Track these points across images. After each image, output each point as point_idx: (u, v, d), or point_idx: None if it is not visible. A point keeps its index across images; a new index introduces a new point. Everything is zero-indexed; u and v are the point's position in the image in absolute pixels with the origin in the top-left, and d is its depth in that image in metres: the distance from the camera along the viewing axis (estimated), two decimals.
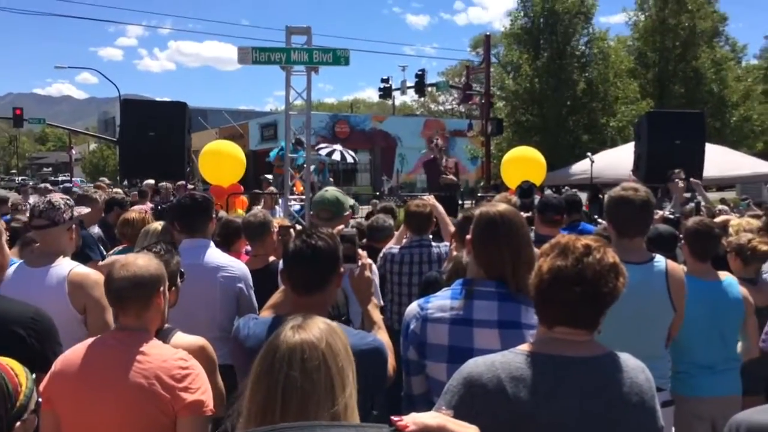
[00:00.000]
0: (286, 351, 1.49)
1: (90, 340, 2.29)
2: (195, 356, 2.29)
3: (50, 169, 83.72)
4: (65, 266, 3.06)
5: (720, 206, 9.37)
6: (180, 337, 2.51)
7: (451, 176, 9.39)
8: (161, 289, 2.32)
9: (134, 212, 5.16)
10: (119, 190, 10.58)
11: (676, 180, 6.80)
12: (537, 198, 6.82)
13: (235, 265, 3.69)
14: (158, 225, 4.08)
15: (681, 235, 4.49)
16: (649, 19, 24.96)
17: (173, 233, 3.96)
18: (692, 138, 9.22)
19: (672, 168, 7.24)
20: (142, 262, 2.30)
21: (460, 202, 12.58)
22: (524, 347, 1.81)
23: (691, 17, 23.91)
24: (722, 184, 18.48)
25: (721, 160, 12.93)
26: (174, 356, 2.20)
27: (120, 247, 4.71)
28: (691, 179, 6.68)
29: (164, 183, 10.16)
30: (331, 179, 14.56)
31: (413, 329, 2.33)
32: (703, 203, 6.74)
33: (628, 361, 1.80)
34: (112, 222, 6.03)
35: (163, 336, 2.42)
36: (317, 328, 1.54)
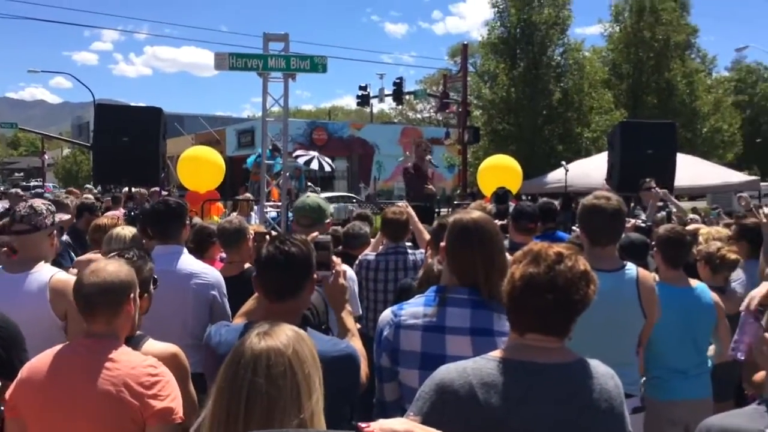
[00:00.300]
0: (251, 357, 1.48)
1: (58, 347, 2.25)
2: (166, 364, 2.26)
3: (22, 174, 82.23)
4: (46, 272, 3.02)
5: (691, 215, 9.53)
6: (151, 345, 2.48)
7: (431, 186, 9.43)
8: (132, 295, 2.29)
9: (106, 218, 5.09)
10: (89, 196, 10.42)
11: (651, 189, 6.90)
12: (512, 206, 6.87)
13: (209, 272, 3.66)
14: (122, 230, 4.01)
15: (653, 243, 4.56)
16: (624, 31, 25.37)
17: (143, 240, 3.91)
18: (664, 148, 9.38)
19: (644, 177, 7.35)
20: (113, 268, 2.27)
21: (436, 210, 12.63)
22: (496, 353, 1.82)
23: (666, 30, 24.36)
24: (693, 193, 18.81)
25: (692, 170, 13.18)
26: (143, 363, 2.17)
27: (91, 254, 4.64)
28: (660, 189, 6.77)
29: (138, 189, 10.06)
30: (310, 185, 14.48)
31: (386, 336, 2.34)
32: (674, 211, 6.85)
33: (598, 367, 1.82)
34: (83, 228, 5.95)
35: (134, 343, 2.39)
36: (284, 334, 1.54)
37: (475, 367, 1.77)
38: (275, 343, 1.50)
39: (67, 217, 6.19)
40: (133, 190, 9.31)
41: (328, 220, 3.76)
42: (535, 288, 1.74)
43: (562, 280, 1.73)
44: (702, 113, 24.54)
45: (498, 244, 2.36)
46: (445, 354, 2.20)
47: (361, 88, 27.37)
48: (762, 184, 17.56)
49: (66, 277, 3.02)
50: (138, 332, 2.48)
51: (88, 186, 16.53)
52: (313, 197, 3.81)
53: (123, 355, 2.18)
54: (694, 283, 3.72)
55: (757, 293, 2.68)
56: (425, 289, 2.47)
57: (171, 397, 2.15)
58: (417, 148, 9.92)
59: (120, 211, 6.91)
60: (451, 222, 2.40)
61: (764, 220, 4.08)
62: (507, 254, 2.37)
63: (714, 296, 3.71)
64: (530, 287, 1.75)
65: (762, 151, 44.18)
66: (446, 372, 1.79)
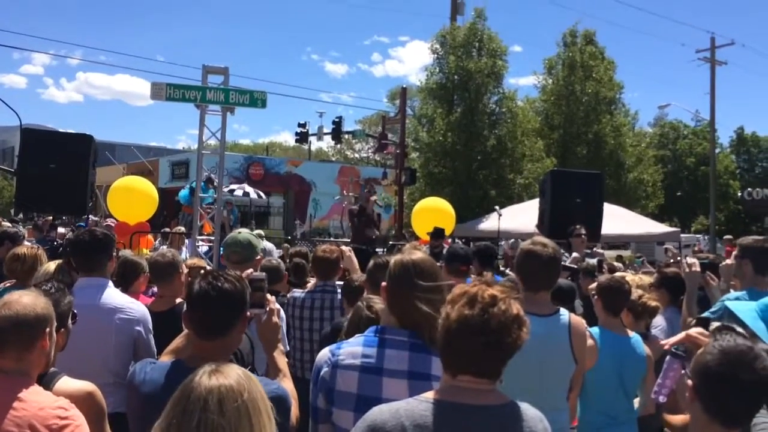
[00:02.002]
0: (201, 393, 1.45)
1: None
2: (81, 403, 2.14)
3: None
4: None
5: (615, 263, 9.87)
6: (65, 383, 2.33)
7: (376, 230, 9.52)
8: (47, 330, 2.16)
9: (25, 247, 4.83)
10: (8, 224, 9.92)
11: (581, 235, 7.14)
12: (445, 247, 6.96)
13: (134, 307, 3.51)
14: (53, 265, 3.84)
15: (580, 287, 4.67)
16: (557, 84, 26.51)
17: (71, 273, 3.73)
18: (592, 197, 9.73)
19: (573, 224, 7.60)
20: (27, 300, 2.14)
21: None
22: (429, 395, 1.81)
23: (596, 86, 25.61)
24: (618, 242, 19.55)
25: (617, 220, 13.72)
26: (53, 404, 2.04)
27: (8, 284, 4.38)
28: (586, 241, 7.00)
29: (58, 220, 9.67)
30: (239, 224, 14.26)
31: (323, 375, 2.29)
32: (604, 257, 7.10)
33: (528, 410, 1.83)
34: (1, 257, 5.63)
35: (47, 381, 2.25)
36: (235, 373, 1.52)
37: (407, 409, 1.76)
38: (227, 381, 1.48)
39: None
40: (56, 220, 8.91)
41: (258, 257, 3.70)
42: (469, 330, 1.74)
43: (495, 322, 1.74)
44: (627, 165, 25.76)
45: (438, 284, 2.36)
46: (381, 397, 2.16)
47: (300, 125, 27.39)
48: (682, 235, 18.47)
49: None
50: (52, 369, 2.34)
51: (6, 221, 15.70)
52: (245, 233, 3.75)
53: (32, 394, 2.05)
54: (630, 332, 3.85)
55: (673, 339, 2.79)
56: (353, 334, 2.44)
57: None
58: (363, 190, 10.04)
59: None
60: (393, 262, 2.39)
61: (687, 270, 4.26)
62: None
63: (646, 348, 3.84)
64: (464, 329, 1.75)
65: (682, 203, 46.63)
66: (378, 413, 1.77)
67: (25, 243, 5.81)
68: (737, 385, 1.72)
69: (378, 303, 2.80)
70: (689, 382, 1.81)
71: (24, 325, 2.08)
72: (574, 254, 6.86)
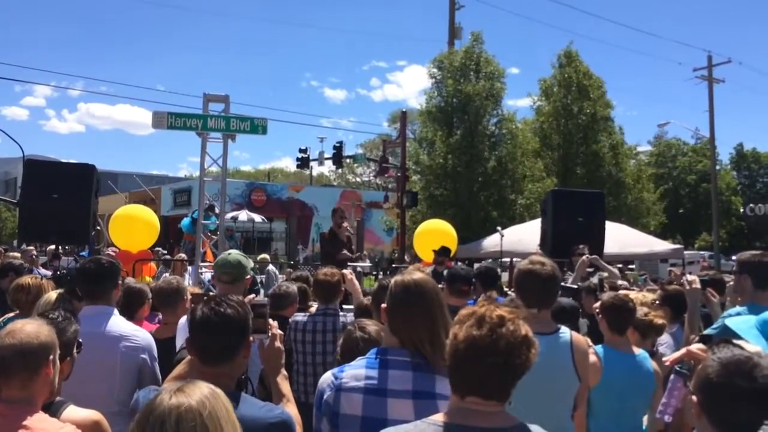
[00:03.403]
0: (159, 414, 1.44)
1: None
2: None
3: None
4: None
5: (619, 281, 9.85)
6: (72, 411, 2.34)
7: (346, 252, 9.53)
8: (51, 358, 2.17)
9: (29, 277, 4.84)
10: (17, 254, 9.94)
11: (580, 254, 7.14)
12: (447, 268, 6.96)
13: (139, 335, 3.51)
14: (54, 294, 3.84)
15: (583, 307, 4.65)
16: (554, 105, 26.65)
17: (72, 302, 3.74)
18: (594, 216, 9.73)
19: (575, 244, 7.60)
20: (31, 328, 2.15)
21: (375, 273, 12.68)
22: (437, 417, 1.80)
23: (592, 105, 25.73)
24: (621, 260, 19.49)
25: (620, 238, 13.70)
26: (60, 431, 2.04)
27: (11, 315, 4.39)
28: (590, 256, 7.00)
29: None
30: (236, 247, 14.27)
31: (326, 399, 2.28)
32: (606, 276, 7.08)
33: None
34: (5, 288, 5.64)
35: (54, 410, 2.25)
36: (198, 392, 1.51)
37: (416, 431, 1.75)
38: (187, 400, 1.47)
39: None
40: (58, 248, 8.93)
41: (248, 276, 3.70)
42: (477, 351, 1.74)
43: (504, 343, 1.74)
44: (628, 184, 25.77)
45: (440, 304, 2.37)
46: (387, 418, 2.16)
47: (301, 150, 27.57)
48: (685, 252, 18.41)
49: None
50: (58, 398, 2.34)
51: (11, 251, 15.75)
52: (234, 254, 3.75)
53: (38, 422, 2.05)
54: (636, 350, 3.83)
55: (674, 356, 2.79)
56: (348, 359, 2.44)
57: None
58: (333, 215, 10.09)
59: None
60: (393, 283, 2.40)
61: (688, 288, 4.25)
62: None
63: (654, 365, 3.81)
64: (472, 350, 1.75)
65: (684, 221, 46.57)
66: None
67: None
68: (740, 395, 1.72)
69: (370, 325, 2.80)
70: (694, 398, 1.81)
71: (28, 354, 2.09)
72: (575, 274, 6.85)
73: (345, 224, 9.82)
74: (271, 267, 12.73)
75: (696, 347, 2.66)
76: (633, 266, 21.30)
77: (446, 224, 13.32)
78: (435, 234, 12.63)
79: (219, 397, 1.52)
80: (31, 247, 10.73)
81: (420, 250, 12.80)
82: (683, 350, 2.77)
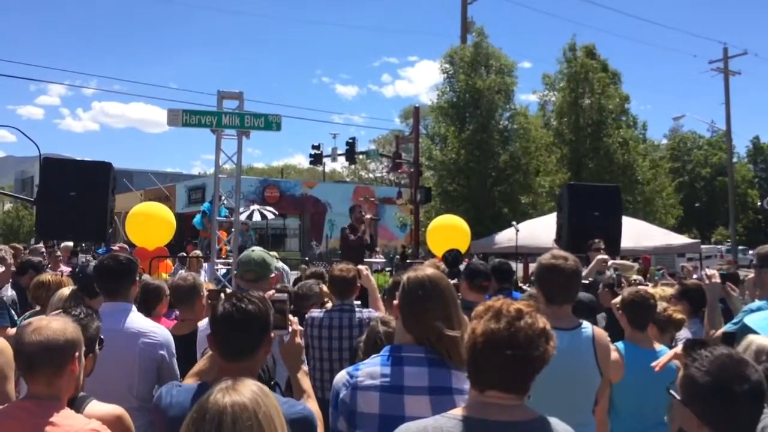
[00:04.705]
0: (215, 413, 1.44)
1: None
2: (111, 427, 2.16)
3: None
4: None
5: (635, 276, 9.77)
6: (95, 406, 2.36)
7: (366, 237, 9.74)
8: (76, 354, 2.19)
9: (49, 274, 4.91)
10: (40, 247, 10.04)
11: (600, 249, 7.09)
12: (463, 264, 6.94)
13: (158, 331, 3.53)
14: (67, 291, 3.87)
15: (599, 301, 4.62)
16: (563, 99, 26.41)
17: (84, 299, 3.75)
18: (610, 210, 9.64)
19: (592, 238, 7.55)
20: (57, 325, 2.17)
21: (389, 269, 12.68)
22: (456, 411, 1.80)
23: (599, 98, 25.45)
24: (637, 255, 19.37)
25: (636, 232, 13.60)
26: (86, 427, 2.07)
27: (35, 309, 4.44)
28: (609, 258, 6.92)
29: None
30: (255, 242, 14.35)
31: (343, 398, 2.28)
32: (621, 272, 7.02)
33: (558, 426, 1.82)
34: (26, 285, 5.71)
35: (77, 405, 2.28)
36: (249, 390, 1.51)
37: (435, 426, 1.75)
38: (240, 399, 1.47)
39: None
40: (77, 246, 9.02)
41: (273, 275, 3.65)
42: (496, 344, 1.74)
43: (522, 336, 1.74)
44: (643, 179, 25.52)
45: (452, 300, 2.36)
46: (404, 415, 2.16)
47: (314, 147, 27.65)
48: (702, 246, 18.26)
49: None
50: (81, 393, 2.37)
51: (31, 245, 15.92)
52: (258, 251, 3.67)
53: (65, 418, 2.07)
54: (658, 346, 3.80)
55: (662, 360, 2.79)
56: (372, 353, 2.43)
57: None
58: (352, 212, 10.23)
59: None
60: (405, 279, 2.40)
61: (707, 282, 4.21)
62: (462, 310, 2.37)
63: (676, 361, 3.77)
64: (491, 343, 1.75)
65: (700, 215, 46.15)
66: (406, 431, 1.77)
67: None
68: (739, 399, 1.69)
69: (393, 320, 2.80)
70: (688, 411, 1.76)
71: (54, 350, 2.11)
72: (588, 268, 6.81)
73: (368, 216, 9.92)
74: (281, 264, 12.74)
75: (680, 350, 2.66)
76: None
77: (458, 219, 13.26)
78: (447, 230, 12.58)
79: (269, 396, 1.53)
80: (40, 245, 10.83)
81: (433, 247, 12.77)
82: (671, 353, 2.78)
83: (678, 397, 1.79)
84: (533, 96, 29.90)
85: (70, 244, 10.71)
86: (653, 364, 3.01)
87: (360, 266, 4.99)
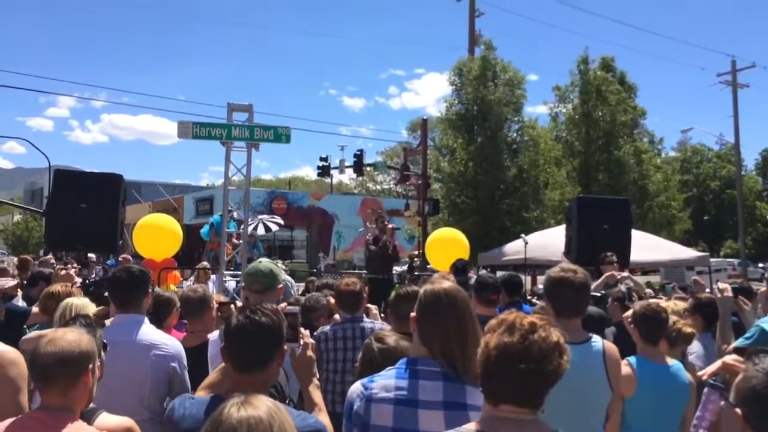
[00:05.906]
0: (229, 427, 1.43)
1: (6, 421, 2.13)
2: None
3: None
4: None
5: (646, 290, 9.71)
6: (105, 418, 2.36)
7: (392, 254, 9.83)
8: (90, 366, 2.20)
9: (59, 285, 4.93)
10: (49, 258, 10.06)
11: (613, 263, 7.07)
12: (472, 277, 6.92)
13: (170, 343, 3.53)
14: (78, 300, 3.89)
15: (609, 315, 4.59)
16: (575, 111, 26.41)
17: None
18: (620, 223, 9.61)
19: (601, 251, 7.52)
20: (72, 337, 2.19)
21: (396, 281, 12.62)
22: (470, 426, 1.79)
23: (611, 111, 25.45)
24: (646, 268, 19.26)
25: (645, 246, 13.52)
26: None
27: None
28: (618, 272, 6.89)
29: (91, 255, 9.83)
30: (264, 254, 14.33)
31: (356, 410, 2.27)
32: (632, 285, 6.99)
33: None
34: (36, 297, 5.73)
35: (87, 417, 2.28)
36: (264, 404, 1.50)
37: None
38: (255, 413, 1.47)
39: (12, 282, 5.98)
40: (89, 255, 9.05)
41: (280, 285, 3.66)
42: (509, 357, 1.74)
43: (536, 350, 1.73)
44: (653, 191, 25.43)
45: (470, 313, 2.36)
46: (418, 429, 2.15)
47: (321, 159, 27.71)
48: (711, 260, 18.13)
49: (0, 349, 2.79)
50: (91, 405, 2.37)
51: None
52: (266, 262, 3.69)
53: (77, 430, 2.08)
54: (670, 361, 3.76)
55: (710, 369, 2.73)
56: (368, 372, 2.42)
57: None
58: (377, 221, 10.28)
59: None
60: (422, 292, 2.39)
61: (720, 296, 4.17)
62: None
63: (689, 376, 3.73)
64: (504, 356, 1.74)
65: (708, 228, 45.90)
66: None
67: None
68: None
69: (389, 336, 2.78)
70: (738, 411, 1.76)
71: (69, 362, 2.12)
72: (598, 281, 6.78)
73: (391, 225, 10.07)
74: (286, 277, 12.71)
75: (731, 359, 2.60)
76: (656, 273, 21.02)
77: (456, 232, 13.06)
78: (446, 243, 12.42)
79: (282, 410, 1.52)
80: (50, 257, 10.86)
81: (433, 261, 12.57)
82: (719, 362, 2.72)
83: (716, 391, 1.77)
84: (544, 107, 29.87)
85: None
86: (700, 372, 2.96)
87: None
